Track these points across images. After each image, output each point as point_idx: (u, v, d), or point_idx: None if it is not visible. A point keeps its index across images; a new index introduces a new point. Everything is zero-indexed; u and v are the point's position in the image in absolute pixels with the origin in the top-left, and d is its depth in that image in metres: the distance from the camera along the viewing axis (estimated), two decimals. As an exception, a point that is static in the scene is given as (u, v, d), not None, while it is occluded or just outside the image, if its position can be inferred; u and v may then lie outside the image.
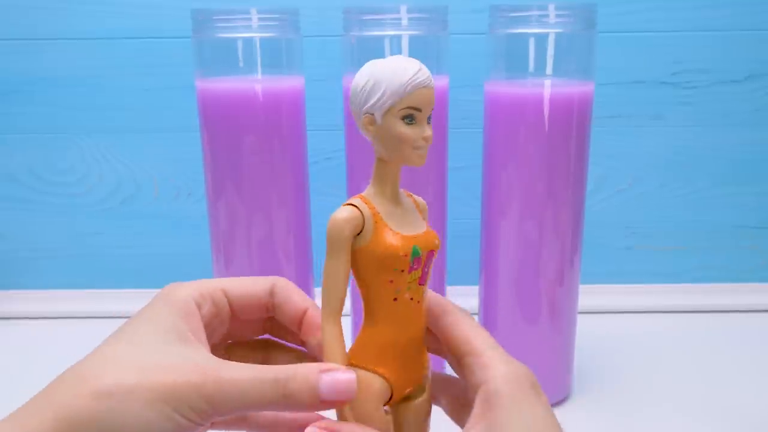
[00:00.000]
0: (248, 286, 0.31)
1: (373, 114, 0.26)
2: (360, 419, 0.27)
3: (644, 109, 0.73)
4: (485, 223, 0.55)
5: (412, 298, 0.27)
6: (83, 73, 0.72)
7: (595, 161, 0.71)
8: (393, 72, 0.26)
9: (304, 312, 0.30)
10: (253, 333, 0.33)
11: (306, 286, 0.56)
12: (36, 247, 0.77)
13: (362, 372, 0.27)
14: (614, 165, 0.74)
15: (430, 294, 0.29)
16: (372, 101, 0.26)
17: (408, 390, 0.29)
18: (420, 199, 0.30)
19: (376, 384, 0.27)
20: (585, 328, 0.62)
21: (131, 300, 0.75)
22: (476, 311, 0.59)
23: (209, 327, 0.29)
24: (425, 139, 0.26)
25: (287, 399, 0.25)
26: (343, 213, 0.26)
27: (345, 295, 0.27)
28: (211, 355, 0.26)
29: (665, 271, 0.77)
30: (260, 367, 0.26)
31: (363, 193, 0.28)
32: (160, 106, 0.73)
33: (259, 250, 0.53)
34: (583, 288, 0.57)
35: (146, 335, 0.26)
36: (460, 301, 0.65)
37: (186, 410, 0.24)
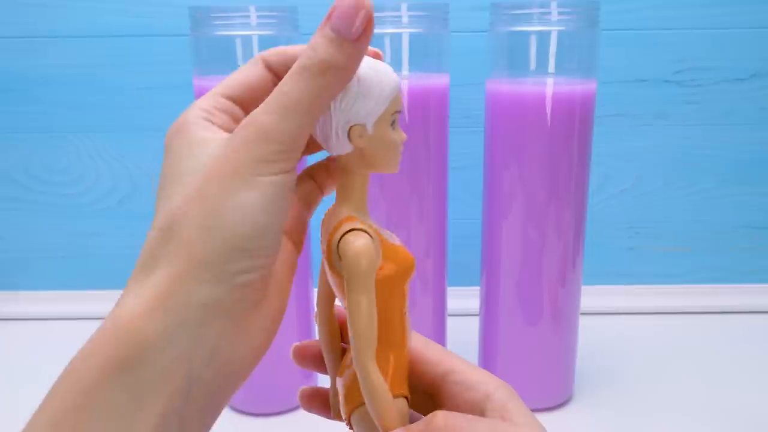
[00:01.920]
0: (244, 76, 0.26)
1: (364, 124, 0.24)
2: None
3: (647, 107, 0.73)
4: (486, 223, 0.55)
5: (408, 308, 0.27)
6: (79, 71, 0.72)
7: (597, 161, 0.71)
8: (377, 74, 0.24)
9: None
10: None
11: (305, 287, 0.55)
12: (32, 247, 0.77)
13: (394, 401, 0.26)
14: (617, 164, 0.74)
15: None
16: (365, 110, 0.24)
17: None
18: None
19: (405, 408, 0.26)
20: (587, 330, 0.62)
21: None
22: (477, 313, 0.59)
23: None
24: (403, 141, 0.25)
25: None
26: (360, 241, 0.24)
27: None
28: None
29: (669, 271, 0.77)
30: None
31: (349, 213, 0.25)
32: (158, 104, 0.73)
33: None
34: (585, 289, 0.57)
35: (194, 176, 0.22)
36: (461, 302, 0.64)
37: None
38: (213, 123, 0.24)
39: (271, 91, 0.23)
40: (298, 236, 0.27)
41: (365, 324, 0.24)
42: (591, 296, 0.66)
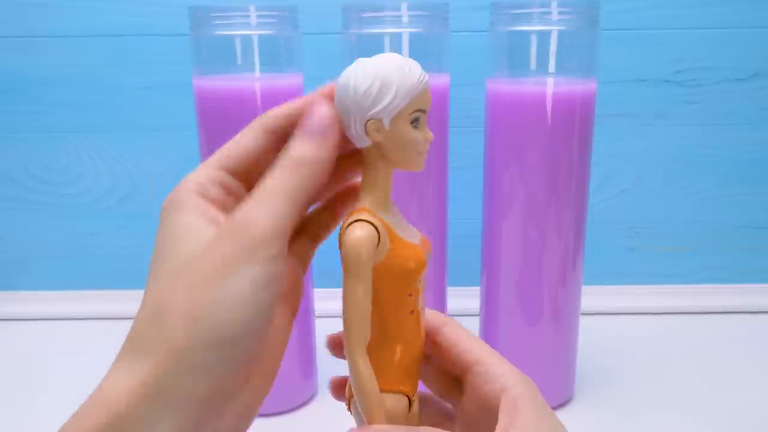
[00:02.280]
0: (242, 147, 0.26)
1: (381, 119, 0.24)
2: None
3: (648, 107, 0.72)
4: (486, 223, 0.55)
5: (422, 308, 0.27)
6: (79, 71, 0.72)
7: (597, 160, 0.71)
8: (401, 72, 0.24)
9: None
10: None
11: (305, 287, 0.55)
12: (31, 247, 0.77)
13: (388, 396, 0.26)
14: (617, 164, 0.74)
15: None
16: (382, 105, 0.24)
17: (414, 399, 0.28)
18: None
19: (402, 404, 0.26)
20: (587, 330, 0.62)
21: (128, 301, 0.75)
22: (477, 313, 0.59)
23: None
24: (428, 141, 0.25)
25: None
26: (361, 231, 0.24)
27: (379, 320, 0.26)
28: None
29: (669, 271, 0.77)
30: None
31: (365, 205, 0.25)
32: (157, 104, 0.72)
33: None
34: (585, 289, 0.56)
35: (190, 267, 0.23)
36: (461, 302, 0.64)
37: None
38: (207, 198, 0.25)
39: (269, 156, 0.25)
40: (293, 300, 0.27)
41: (356, 314, 0.24)
42: (591, 296, 0.66)
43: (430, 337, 0.29)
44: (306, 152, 0.24)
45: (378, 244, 0.25)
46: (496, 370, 0.27)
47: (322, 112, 0.25)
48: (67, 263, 0.77)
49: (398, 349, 0.26)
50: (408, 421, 0.27)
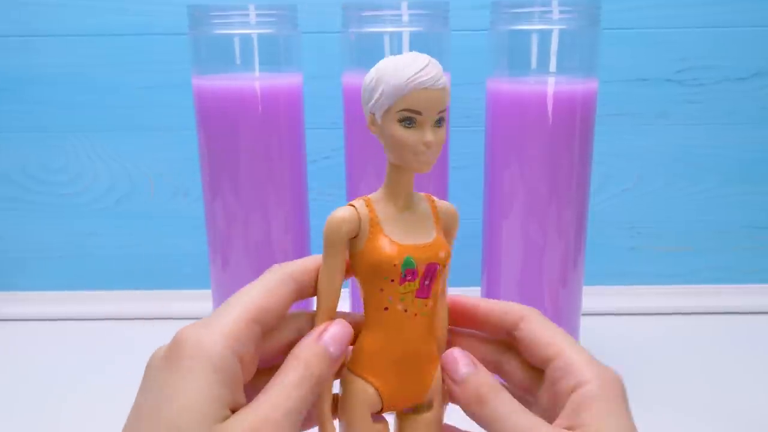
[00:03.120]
0: (278, 299, 0.25)
1: (374, 113, 0.25)
2: (347, 425, 0.27)
3: (649, 107, 0.72)
4: (487, 223, 0.55)
5: (406, 310, 0.26)
6: (77, 70, 0.72)
7: (599, 160, 0.70)
8: (394, 70, 0.24)
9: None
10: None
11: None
12: (29, 247, 0.77)
13: (352, 377, 0.27)
14: (618, 164, 0.74)
15: (500, 303, 0.29)
16: (373, 100, 0.25)
17: (406, 406, 0.28)
18: (446, 207, 0.28)
19: (364, 392, 0.26)
20: (588, 331, 0.62)
21: (126, 301, 0.75)
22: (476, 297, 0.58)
23: (248, 371, 0.25)
24: (426, 144, 0.25)
25: (318, 380, 0.24)
26: (340, 213, 0.25)
27: (338, 297, 0.26)
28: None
29: (671, 272, 0.77)
30: (277, 385, 0.24)
31: (370, 195, 0.26)
32: (156, 104, 0.72)
33: (257, 251, 0.53)
34: (586, 289, 0.56)
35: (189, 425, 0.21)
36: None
37: None
38: (243, 362, 0.23)
39: (290, 304, 0.26)
40: None
41: (320, 287, 0.26)
42: (592, 297, 0.66)
43: (506, 332, 0.28)
44: (323, 372, 0.24)
45: (358, 230, 0.25)
46: (573, 365, 0.26)
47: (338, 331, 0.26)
48: (65, 263, 0.77)
49: (371, 338, 0.26)
50: (368, 425, 0.26)
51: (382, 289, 0.26)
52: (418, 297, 0.26)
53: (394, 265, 0.25)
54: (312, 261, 0.27)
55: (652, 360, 0.63)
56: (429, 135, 0.24)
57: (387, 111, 0.24)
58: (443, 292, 0.28)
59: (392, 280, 0.25)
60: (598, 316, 0.71)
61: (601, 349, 0.65)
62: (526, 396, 0.28)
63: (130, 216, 0.76)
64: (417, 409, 0.28)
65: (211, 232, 0.54)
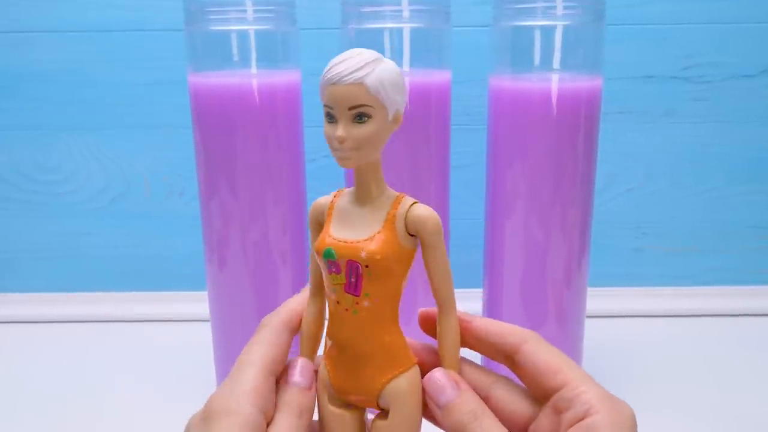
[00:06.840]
0: (283, 350, 0.28)
1: None
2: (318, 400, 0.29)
3: (655, 104, 0.72)
4: (489, 223, 0.54)
5: (338, 302, 0.27)
6: (70, 66, 0.72)
7: (603, 159, 0.70)
8: (331, 62, 0.25)
9: None
10: None
11: (302, 273, 0.54)
12: (21, 247, 0.77)
13: (320, 358, 0.29)
14: (624, 163, 0.73)
15: (497, 323, 0.28)
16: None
17: (353, 401, 0.28)
18: (416, 210, 0.26)
19: (321, 373, 0.28)
20: (593, 333, 0.62)
21: (121, 303, 0.74)
22: (480, 315, 0.58)
23: None
24: (337, 139, 0.25)
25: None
26: (317, 200, 0.28)
27: (319, 274, 0.28)
28: None
29: (677, 273, 0.76)
30: None
31: (347, 188, 0.28)
32: (151, 101, 0.72)
33: (254, 251, 0.52)
34: (590, 291, 0.56)
35: None
36: (463, 304, 0.63)
37: None
38: (266, 416, 0.26)
39: (290, 348, 0.28)
40: None
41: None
42: (597, 298, 0.65)
43: (507, 355, 0.27)
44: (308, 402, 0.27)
45: (321, 215, 0.28)
46: (582, 396, 0.25)
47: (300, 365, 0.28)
48: (59, 264, 0.77)
49: (329, 324, 0.28)
50: (325, 406, 0.28)
51: (334, 281, 0.27)
52: (348, 292, 0.26)
53: (319, 253, 0.27)
54: (296, 302, 0.29)
55: (657, 363, 0.63)
56: (339, 130, 0.25)
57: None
58: (448, 307, 0.27)
59: (326, 269, 0.27)
60: (603, 318, 0.71)
61: (606, 352, 0.64)
62: (520, 416, 0.28)
63: (125, 216, 0.75)
64: (378, 415, 0.28)
65: (207, 232, 0.53)
